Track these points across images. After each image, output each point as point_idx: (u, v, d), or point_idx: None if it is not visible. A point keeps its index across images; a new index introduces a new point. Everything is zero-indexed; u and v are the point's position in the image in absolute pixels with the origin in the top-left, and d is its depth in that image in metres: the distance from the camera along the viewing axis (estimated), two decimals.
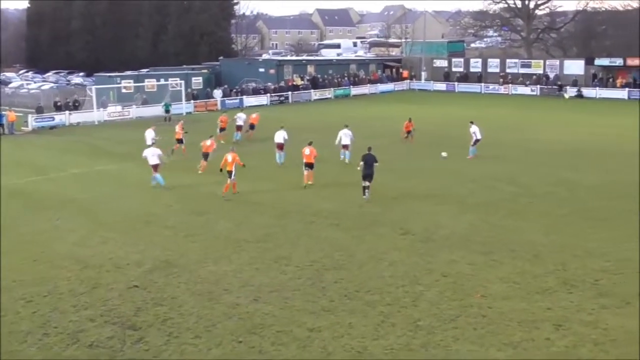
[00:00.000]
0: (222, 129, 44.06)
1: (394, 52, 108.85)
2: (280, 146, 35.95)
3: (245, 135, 44.73)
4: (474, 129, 37.75)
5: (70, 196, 29.72)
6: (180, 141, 39.24)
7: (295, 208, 27.02)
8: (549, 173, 33.47)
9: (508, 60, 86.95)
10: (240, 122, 44.54)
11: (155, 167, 31.33)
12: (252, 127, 45.19)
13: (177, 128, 40.46)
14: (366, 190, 27.95)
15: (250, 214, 26.26)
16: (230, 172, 29.06)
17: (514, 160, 37.17)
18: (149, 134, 37.44)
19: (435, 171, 34.28)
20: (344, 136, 35.72)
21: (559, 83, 77.96)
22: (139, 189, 31.21)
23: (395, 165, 34.43)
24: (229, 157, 29.19)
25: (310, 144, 31.13)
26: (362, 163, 28.03)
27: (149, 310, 16.85)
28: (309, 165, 30.79)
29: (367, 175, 27.87)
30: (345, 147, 35.98)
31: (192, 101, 65.88)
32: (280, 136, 36.03)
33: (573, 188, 30.10)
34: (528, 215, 25.46)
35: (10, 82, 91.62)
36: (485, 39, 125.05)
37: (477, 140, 37.61)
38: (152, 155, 31.43)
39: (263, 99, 70.74)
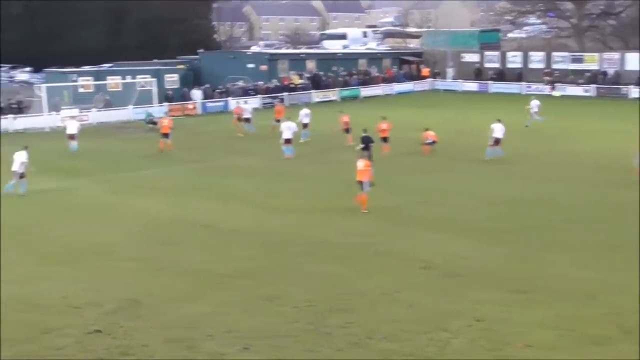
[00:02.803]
0: (239, 119, 53.88)
1: (413, 45, 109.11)
2: (289, 141, 42.47)
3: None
4: (496, 126, 40.73)
5: (6, 222, 29.47)
6: (166, 135, 45.78)
7: (286, 237, 27.04)
8: (595, 192, 33.54)
9: (554, 54, 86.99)
10: (247, 115, 54.10)
11: None
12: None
13: (166, 121, 47.14)
14: None
15: (229, 244, 26.29)
16: (361, 183, 30.06)
17: (551, 177, 37.28)
18: (19, 158, 34.58)
19: (453, 191, 34.43)
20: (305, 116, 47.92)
21: (547, 78, 78.23)
22: (94, 212, 31.24)
23: (405, 183, 34.57)
24: (360, 164, 30.31)
25: (384, 118, 42.94)
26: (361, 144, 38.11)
27: None
28: (385, 139, 41.90)
29: (364, 157, 33.68)
30: (305, 125, 48.14)
31: (165, 103, 65.84)
32: (288, 131, 42.64)
33: (624, 212, 29.90)
34: (572, 246, 25.44)
35: None
36: (525, 28, 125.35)
37: (496, 140, 40.41)
38: None
39: (254, 102, 70.24)
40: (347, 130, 46.01)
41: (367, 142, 38.41)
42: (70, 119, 50.41)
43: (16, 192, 33.85)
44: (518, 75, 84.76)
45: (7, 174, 34.87)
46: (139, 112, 61.06)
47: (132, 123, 60.47)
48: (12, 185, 33.94)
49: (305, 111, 49.28)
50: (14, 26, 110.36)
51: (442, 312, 19.43)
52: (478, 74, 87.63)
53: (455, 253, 24.73)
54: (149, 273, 23.12)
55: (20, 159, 34.06)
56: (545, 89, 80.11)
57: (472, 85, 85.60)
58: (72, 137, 46.45)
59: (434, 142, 43.11)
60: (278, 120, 50.52)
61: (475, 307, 19.74)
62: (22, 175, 34.17)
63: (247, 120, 54.07)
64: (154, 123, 54.59)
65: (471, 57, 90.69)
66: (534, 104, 55.22)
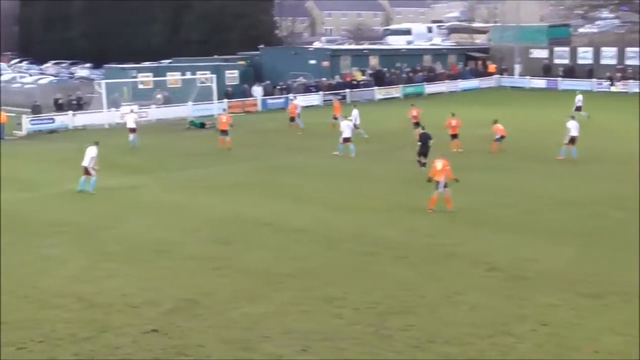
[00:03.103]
0: (292, 119, 54.68)
1: (479, 40, 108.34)
2: (348, 139, 42.30)
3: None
4: (571, 124, 40.59)
5: (66, 219, 30.22)
6: (225, 132, 46.29)
7: (347, 237, 27.13)
8: None
9: (627, 49, 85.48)
10: (298, 110, 55.15)
11: None
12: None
13: (224, 118, 47.76)
14: (423, 165, 36.83)
15: (291, 243, 26.44)
16: (437, 183, 29.85)
17: (620, 177, 36.77)
18: (90, 153, 35.19)
19: (521, 191, 34.30)
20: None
21: (607, 75, 77.11)
22: (153, 210, 31.64)
23: (472, 183, 34.38)
24: (438, 164, 30.13)
25: (453, 115, 43.94)
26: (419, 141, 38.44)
27: None
28: (454, 136, 43.20)
29: (422, 153, 37.73)
30: (356, 127, 46.23)
31: (225, 100, 66.20)
32: (348, 129, 42.48)
33: None
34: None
35: None
36: (597, 22, 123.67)
37: (572, 138, 40.09)
38: None
39: (314, 99, 70.55)
40: (417, 125, 45.20)
41: (425, 139, 38.15)
42: (128, 113, 51.78)
43: (85, 189, 34.58)
44: (589, 72, 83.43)
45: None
46: (198, 109, 61.47)
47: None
48: (95, 182, 34.67)
49: (355, 112, 48.69)
50: (75, 23, 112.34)
51: (506, 315, 19.32)
52: (547, 70, 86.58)
53: (521, 255, 24.58)
54: (208, 272, 23.33)
55: (90, 154, 34.68)
56: (617, 86, 79.03)
57: (540, 82, 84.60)
58: (133, 130, 47.48)
59: (502, 137, 42.96)
60: (336, 118, 51.05)
61: (541, 310, 19.60)
62: (87, 171, 34.73)
63: (297, 116, 54.84)
64: (203, 125, 55.32)
65: (540, 53, 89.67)
66: (578, 98, 57.14)
